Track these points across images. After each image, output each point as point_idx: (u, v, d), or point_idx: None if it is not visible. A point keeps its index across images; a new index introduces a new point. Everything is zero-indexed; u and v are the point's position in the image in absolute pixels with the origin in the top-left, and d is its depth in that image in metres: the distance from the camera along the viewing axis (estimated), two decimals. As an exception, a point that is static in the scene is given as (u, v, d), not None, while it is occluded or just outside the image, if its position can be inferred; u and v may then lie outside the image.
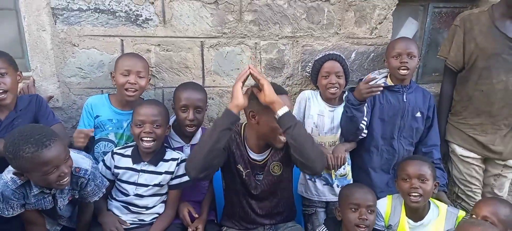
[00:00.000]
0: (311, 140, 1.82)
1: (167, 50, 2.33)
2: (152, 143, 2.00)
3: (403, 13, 2.69)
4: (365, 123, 2.31)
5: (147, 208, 2.09)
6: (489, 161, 2.50)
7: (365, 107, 2.25)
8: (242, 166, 1.96)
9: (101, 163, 2.09)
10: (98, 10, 2.18)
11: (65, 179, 1.66)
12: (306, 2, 2.39)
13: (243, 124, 1.99)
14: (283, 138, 1.84)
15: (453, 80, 2.51)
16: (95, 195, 1.90)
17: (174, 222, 2.15)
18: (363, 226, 1.91)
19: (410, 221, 2.08)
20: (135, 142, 2.12)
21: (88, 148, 2.10)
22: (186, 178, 2.15)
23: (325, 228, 2.10)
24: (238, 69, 2.44)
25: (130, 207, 2.08)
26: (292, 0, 2.37)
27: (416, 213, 2.07)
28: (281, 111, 1.74)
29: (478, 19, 2.32)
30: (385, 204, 2.13)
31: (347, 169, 2.39)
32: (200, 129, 2.28)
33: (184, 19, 2.29)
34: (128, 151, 2.10)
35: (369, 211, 1.94)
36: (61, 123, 2.16)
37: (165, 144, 2.16)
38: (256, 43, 2.42)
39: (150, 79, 2.24)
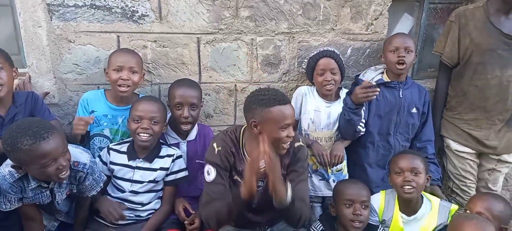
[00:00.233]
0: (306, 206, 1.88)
1: (163, 46, 2.33)
2: (149, 138, 2.01)
3: (398, 9, 2.70)
4: (363, 125, 2.33)
5: (143, 204, 2.10)
6: (484, 156, 2.53)
7: (362, 111, 2.26)
8: (240, 176, 1.89)
9: (97, 159, 2.10)
10: (94, 6, 2.18)
11: (64, 172, 1.66)
12: (302, -2, 2.40)
13: (242, 128, 1.92)
14: (286, 145, 1.81)
15: (448, 75, 2.53)
16: (93, 189, 1.91)
17: (170, 217, 2.16)
18: (358, 221, 1.94)
19: (404, 215, 2.10)
20: (130, 138, 2.14)
21: (84, 143, 2.11)
22: (181, 174, 2.17)
23: (320, 224, 2.12)
24: (235, 65, 2.45)
25: (125, 203, 2.08)
26: (288, -4, 2.38)
27: (409, 208, 2.10)
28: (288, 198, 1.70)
29: (473, 15, 2.33)
30: (378, 199, 2.15)
31: (343, 164, 2.41)
32: (196, 125, 2.29)
33: (181, 15, 2.29)
34: (124, 147, 2.11)
35: (363, 206, 1.96)
36: (57, 119, 2.17)
37: (161, 141, 2.17)
38: (252, 39, 2.42)
39: (144, 75, 2.24)
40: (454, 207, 2.13)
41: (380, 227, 2.08)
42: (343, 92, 2.42)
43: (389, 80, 2.40)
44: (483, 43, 2.29)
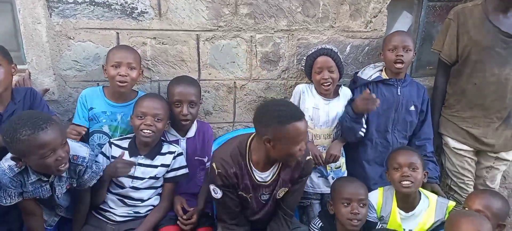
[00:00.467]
0: None
1: (162, 43, 2.33)
2: (152, 134, 2.02)
3: (397, 7, 2.70)
4: (363, 130, 2.35)
5: (142, 200, 2.12)
6: (482, 153, 2.53)
7: (363, 119, 2.28)
8: (244, 192, 1.90)
9: (100, 155, 2.10)
10: (93, 3, 2.18)
11: (63, 164, 1.67)
12: (301, -5, 2.40)
13: (249, 139, 1.89)
14: (297, 158, 1.81)
15: (446, 73, 2.53)
16: (92, 180, 1.93)
17: (168, 214, 2.17)
18: (355, 220, 1.95)
19: (402, 211, 2.11)
20: (132, 134, 2.14)
21: (84, 139, 2.12)
22: (181, 171, 2.18)
23: (319, 221, 2.13)
24: (234, 62, 2.45)
25: (125, 200, 2.09)
26: (287, -7, 2.38)
27: (407, 204, 2.11)
28: None
29: (472, 13, 2.33)
30: (376, 196, 2.16)
31: (341, 161, 2.42)
32: (195, 122, 2.30)
33: (180, 12, 2.29)
34: (125, 143, 2.11)
35: (361, 205, 1.97)
36: (56, 115, 2.18)
37: (161, 138, 2.17)
38: (251, 36, 2.43)
39: (142, 71, 2.25)
40: (452, 203, 2.14)
41: (378, 223, 2.10)
42: (342, 90, 2.42)
43: (388, 78, 2.41)
44: (482, 41, 2.30)
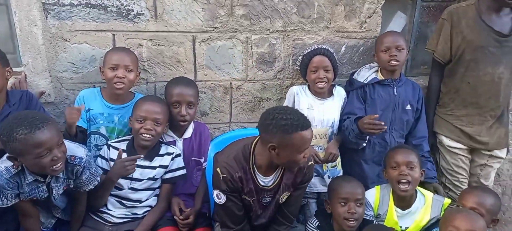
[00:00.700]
0: None
1: (159, 44, 2.34)
2: (151, 138, 2.02)
3: (392, 7, 2.72)
4: (365, 143, 2.37)
5: (141, 201, 2.12)
6: (476, 151, 2.56)
7: (367, 137, 2.30)
8: (248, 196, 1.91)
9: (99, 158, 2.10)
10: (89, 5, 2.18)
11: (59, 164, 1.68)
12: (296, -4, 2.42)
13: (253, 144, 1.89)
14: (301, 164, 1.83)
15: (441, 73, 2.56)
16: (90, 183, 1.92)
17: (166, 215, 2.17)
18: (352, 219, 1.96)
19: (398, 209, 2.13)
20: (130, 136, 2.15)
21: (77, 138, 2.09)
22: (179, 173, 2.18)
23: (316, 220, 2.15)
24: (230, 63, 2.46)
25: (123, 201, 2.10)
26: (282, -6, 2.39)
27: (404, 202, 2.13)
28: None
29: (465, 13, 2.36)
30: (373, 195, 2.18)
31: (337, 160, 2.44)
32: (192, 123, 2.31)
33: (176, 14, 2.30)
34: (123, 145, 2.11)
35: (358, 204, 1.99)
36: (52, 118, 2.17)
37: (159, 139, 2.17)
38: (247, 37, 2.44)
39: (139, 73, 2.25)
40: (447, 201, 2.16)
41: (374, 221, 2.11)
42: (336, 90, 2.44)
43: (384, 78, 2.43)
44: (475, 41, 2.32)
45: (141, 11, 2.25)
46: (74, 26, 2.20)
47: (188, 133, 2.30)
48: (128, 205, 2.10)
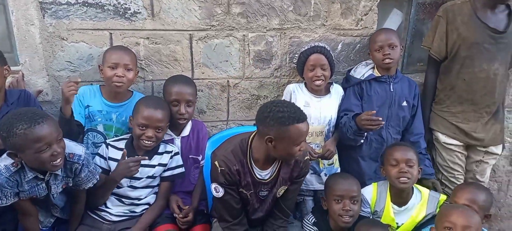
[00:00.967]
0: None
1: (156, 43, 2.34)
2: (152, 144, 2.03)
3: (388, 4, 2.73)
4: (363, 139, 2.39)
5: (139, 199, 2.13)
6: (471, 148, 2.58)
7: (365, 133, 2.31)
8: (245, 189, 1.93)
9: (97, 157, 2.11)
10: (86, 4, 2.19)
11: (58, 160, 1.69)
12: (293, -6, 2.42)
13: (250, 138, 1.92)
14: (297, 157, 1.86)
15: (436, 70, 2.57)
16: (89, 181, 1.93)
17: (164, 213, 2.19)
18: (347, 216, 1.98)
19: (395, 206, 2.15)
20: (128, 135, 2.15)
21: (73, 117, 2.05)
22: (178, 171, 2.19)
23: (312, 217, 2.16)
24: (227, 61, 2.47)
25: (123, 199, 2.11)
26: (279, -8, 2.40)
27: (401, 198, 2.14)
28: None
29: (461, 10, 2.38)
30: (370, 191, 2.20)
31: (334, 157, 2.45)
32: (190, 121, 2.31)
33: (173, 12, 2.30)
34: (122, 144, 2.12)
35: (353, 201, 2.00)
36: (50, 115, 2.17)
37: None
38: (244, 35, 2.44)
39: (138, 72, 2.26)
40: (443, 197, 2.18)
41: (371, 218, 2.13)
42: (333, 87, 2.45)
43: (380, 75, 2.44)
44: (470, 37, 2.34)
45: (138, 9, 2.26)
46: (71, 25, 2.21)
47: (186, 131, 2.31)
48: (127, 203, 2.11)
